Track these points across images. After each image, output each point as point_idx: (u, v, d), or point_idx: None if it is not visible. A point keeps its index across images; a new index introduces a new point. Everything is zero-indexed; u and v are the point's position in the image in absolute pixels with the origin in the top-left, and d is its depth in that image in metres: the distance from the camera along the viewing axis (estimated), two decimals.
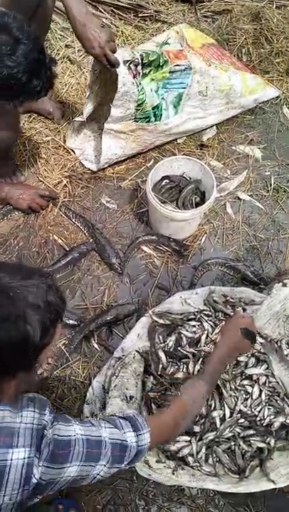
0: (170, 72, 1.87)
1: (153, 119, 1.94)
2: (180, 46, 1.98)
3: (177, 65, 1.87)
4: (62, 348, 1.63)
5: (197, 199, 1.88)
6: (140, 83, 1.81)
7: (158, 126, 1.97)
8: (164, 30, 2.64)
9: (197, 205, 1.86)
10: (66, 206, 1.99)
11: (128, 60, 1.75)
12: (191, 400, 1.20)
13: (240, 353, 1.45)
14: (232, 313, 1.64)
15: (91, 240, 1.90)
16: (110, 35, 1.64)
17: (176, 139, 2.20)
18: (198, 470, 1.40)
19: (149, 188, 1.74)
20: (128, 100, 1.80)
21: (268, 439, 1.44)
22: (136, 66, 1.78)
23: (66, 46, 2.38)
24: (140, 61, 1.77)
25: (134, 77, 1.77)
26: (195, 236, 1.93)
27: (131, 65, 1.76)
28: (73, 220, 1.96)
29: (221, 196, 2.05)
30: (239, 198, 2.06)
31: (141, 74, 1.80)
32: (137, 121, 1.92)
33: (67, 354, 1.62)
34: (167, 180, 1.92)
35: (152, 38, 2.08)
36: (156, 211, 1.75)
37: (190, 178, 1.92)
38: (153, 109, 1.90)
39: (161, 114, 1.94)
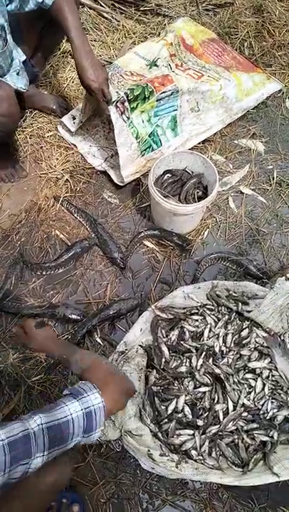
0: (157, 100, 1.89)
1: (155, 146, 1.98)
2: (167, 70, 2.00)
3: (163, 92, 1.90)
4: None
5: (199, 193, 1.87)
6: (129, 117, 1.85)
7: (163, 151, 1.99)
8: (165, 25, 2.63)
9: (200, 199, 1.85)
10: (68, 201, 1.98)
11: (114, 100, 1.79)
12: None
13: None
14: (235, 308, 1.64)
15: (93, 235, 1.90)
16: (108, 75, 1.75)
17: None
18: (202, 463, 1.40)
19: (152, 182, 1.73)
20: (126, 135, 1.85)
21: (272, 432, 1.43)
22: (122, 103, 1.81)
23: (67, 41, 2.36)
24: (126, 98, 1.81)
25: (121, 113, 1.82)
26: (197, 230, 1.92)
27: (118, 104, 1.80)
28: (75, 215, 1.96)
29: (223, 190, 2.04)
30: (242, 192, 2.05)
31: (129, 109, 1.84)
32: (143, 155, 1.96)
33: None
34: (169, 175, 1.91)
35: (142, 53, 2.06)
36: (158, 206, 1.74)
37: (192, 172, 1.91)
38: (150, 136, 1.94)
39: (160, 140, 1.98)
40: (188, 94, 1.97)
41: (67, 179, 2.04)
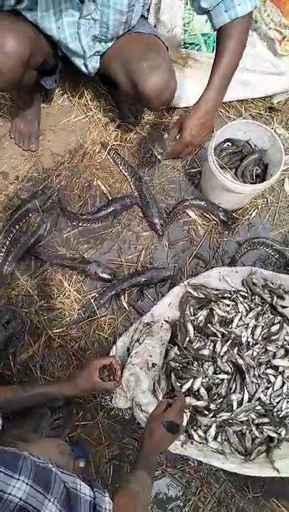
0: None
1: (204, 47, 1.73)
2: None
3: None
4: (92, 300, 1.60)
5: (258, 171, 1.74)
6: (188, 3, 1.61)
7: (212, 60, 1.78)
8: None
9: (257, 177, 1.72)
10: (115, 151, 1.85)
11: None
12: (141, 487, 1.03)
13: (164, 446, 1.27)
14: (269, 300, 1.58)
15: (136, 194, 1.79)
16: None
17: None
18: (205, 445, 1.43)
19: (212, 149, 1.59)
20: (173, 14, 1.61)
21: (281, 429, 1.44)
22: None
23: None
24: None
25: None
26: (245, 209, 1.81)
27: None
28: (121, 168, 1.83)
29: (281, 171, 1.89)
30: None
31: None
32: (186, 48, 1.73)
33: (95, 308, 1.59)
34: (230, 144, 1.76)
35: None
36: (212, 177, 1.61)
37: (255, 146, 1.75)
38: (203, 35, 1.70)
39: (213, 46, 1.73)
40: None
41: (118, 125, 1.88)
